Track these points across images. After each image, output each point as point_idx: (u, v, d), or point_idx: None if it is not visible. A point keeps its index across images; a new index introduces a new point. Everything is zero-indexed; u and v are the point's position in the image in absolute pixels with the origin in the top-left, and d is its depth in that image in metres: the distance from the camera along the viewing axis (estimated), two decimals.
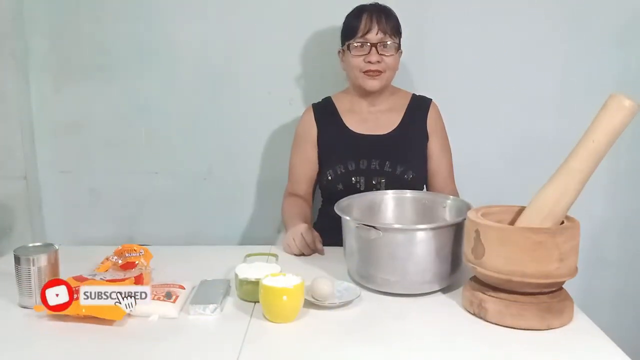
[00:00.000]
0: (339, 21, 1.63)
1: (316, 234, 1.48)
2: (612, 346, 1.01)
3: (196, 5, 1.86)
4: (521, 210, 1.14)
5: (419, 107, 1.67)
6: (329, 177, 1.61)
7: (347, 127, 1.65)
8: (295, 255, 1.45)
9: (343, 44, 1.61)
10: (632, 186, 1.97)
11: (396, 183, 1.55)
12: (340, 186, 1.60)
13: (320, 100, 1.73)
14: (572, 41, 1.87)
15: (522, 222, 1.10)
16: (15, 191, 1.87)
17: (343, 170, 1.60)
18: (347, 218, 1.24)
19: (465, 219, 1.15)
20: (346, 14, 1.62)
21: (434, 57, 1.88)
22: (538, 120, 1.91)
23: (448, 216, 1.36)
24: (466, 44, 1.88)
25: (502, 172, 1.92)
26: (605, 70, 1.87)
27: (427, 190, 1.68)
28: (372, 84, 1.58)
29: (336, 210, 1.27)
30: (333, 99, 1.71)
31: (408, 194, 1.45)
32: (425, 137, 1.65)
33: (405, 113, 1.66)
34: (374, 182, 1.58)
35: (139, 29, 1.87)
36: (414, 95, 1.70)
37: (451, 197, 1.39)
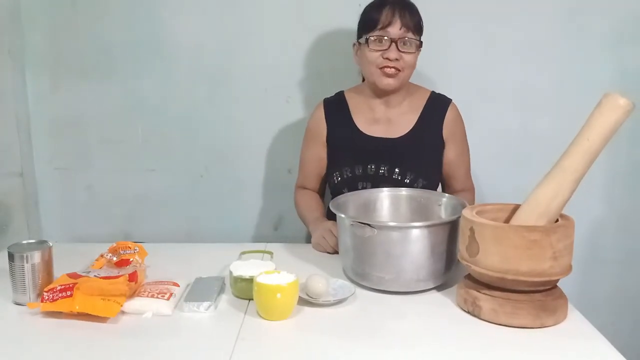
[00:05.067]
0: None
1: None
2: (606, 345, 1.01)
3: (193, 4, 1.86)
4: (516, 208, 1.13)
5: (436, 108, 1.58)
6: (335, 180, 1.58)
7: (357, 127, 1.57)
8: (329, 253, 1.43)
9: (360, 36, 1.51)
10: (629, 185, 1.97)
11: None
12: (345, 190, 1.53)
13: (333, 94, 1.66)
14: (568, 40, 1.87)
15: (516, 220, 1.10)
16: (12, 188, 1.87)
17: (349, 175, 1.55)
18: (342, 215, 1.24)
19: (460, 217, 1.15)
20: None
21: (431, 56, 1.87)
22: (534, 119, 1.91)
23: (443, 214, 1.36)
24: (462, 43, 1.87)
25: (497, 170, 1.92)
26: (602, 70, 1.87)
27: (443, 190, 1.65)
28: (388, 82, 1.48)
29: (331, 208, 1.27)
30: (345, 94, 1.63)
31: (403, 192, 1.44)
32: (440, 144, 1.57)
33: (420, 115, 1.56)
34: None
35: (136, 27, 1.87)
36: (432, 93, 1.61)
37: (446, 195, 1.39)
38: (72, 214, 1.99)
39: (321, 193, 1.71)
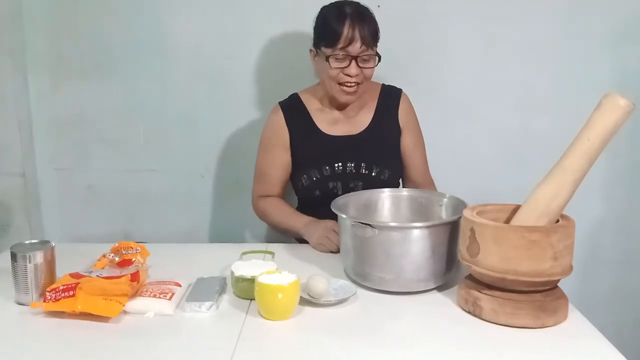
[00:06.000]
0: None
1: None
2: (606, 345, 1.01)
3: (193, 4, 1.86)
4: (516, 208, 1.14)
5: (389, 98, 1.62)
6: (304, 183, 1.58)
7: (318, 128, 1.59)
8: (333, 252, 1.42)
9: (317, 45, 1.51)
10: (629, 185, 1.97)
11: (373, 185, 1.51)
12: (317, 192, 1.56)
13: (287, 98, 1.65)
14: (568, 40, 1.88)
15: (517, 220, 1.11)
16: (13, 188, 1.87)
17: (318, 176, 1.56)
18: (343, 216, 1.24)
19: (460, 217, 1.15)
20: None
21: (431, 56, 1.88)
22: (534, 119, 1.92)
23: (444, 214, 1.36)
24: (463, 43, 1.88)
25: (498, 170, 1.92)
26: (601, 70, 1.88)
27: (403, 183, 1.68)
28: (348, 98, 1.52)
29: (332, 209, 1.28)
30: (301, 97, 1.63)
31: (404, 192, 1.45)
32: (398, 132, 1.62)
33: (376, 108, 1.61)
34: (351, 186, 1.55)
35: (136, 27, 1.87)
36: (383, 85, 1.65)
37: (447, 195, 1.39)
38: (73, 214, 1.99)
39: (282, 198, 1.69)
